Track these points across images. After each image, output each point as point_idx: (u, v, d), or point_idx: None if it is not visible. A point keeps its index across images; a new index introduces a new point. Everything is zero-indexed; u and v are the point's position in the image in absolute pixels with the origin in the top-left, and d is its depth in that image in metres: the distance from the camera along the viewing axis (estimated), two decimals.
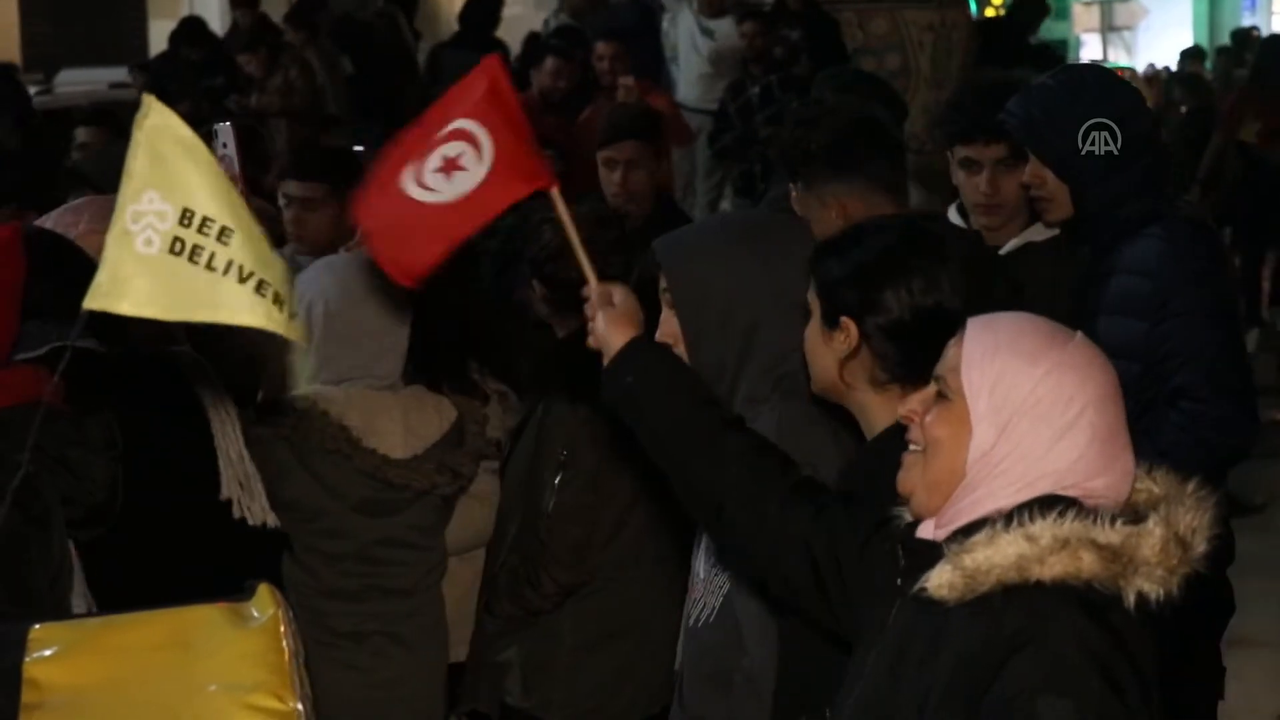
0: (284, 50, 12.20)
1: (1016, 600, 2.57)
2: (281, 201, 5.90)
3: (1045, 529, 2.58)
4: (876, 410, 3.29)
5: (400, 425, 4.76)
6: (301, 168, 5.92)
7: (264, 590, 2.66)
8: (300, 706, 2.41)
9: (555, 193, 3.36)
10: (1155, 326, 4.48)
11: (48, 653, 2.51)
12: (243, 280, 2.56)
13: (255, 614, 2.60)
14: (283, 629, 2.55)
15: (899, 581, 2.76)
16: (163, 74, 12.30)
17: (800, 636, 3.34)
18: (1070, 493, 2.65)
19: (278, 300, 2.63)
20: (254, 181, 6.25)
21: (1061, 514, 2.59)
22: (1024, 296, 4.31)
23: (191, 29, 13.30)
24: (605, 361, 3.30)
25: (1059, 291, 4.61)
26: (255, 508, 4.44)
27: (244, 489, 4.45)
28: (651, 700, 4.94)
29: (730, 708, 3.66)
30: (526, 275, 5.04)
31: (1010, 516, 2.61)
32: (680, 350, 3.70)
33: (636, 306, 3.34)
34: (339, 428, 4.68)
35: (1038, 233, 5.01)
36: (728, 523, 3.18)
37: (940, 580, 2.61)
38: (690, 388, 3.28)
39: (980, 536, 2.60)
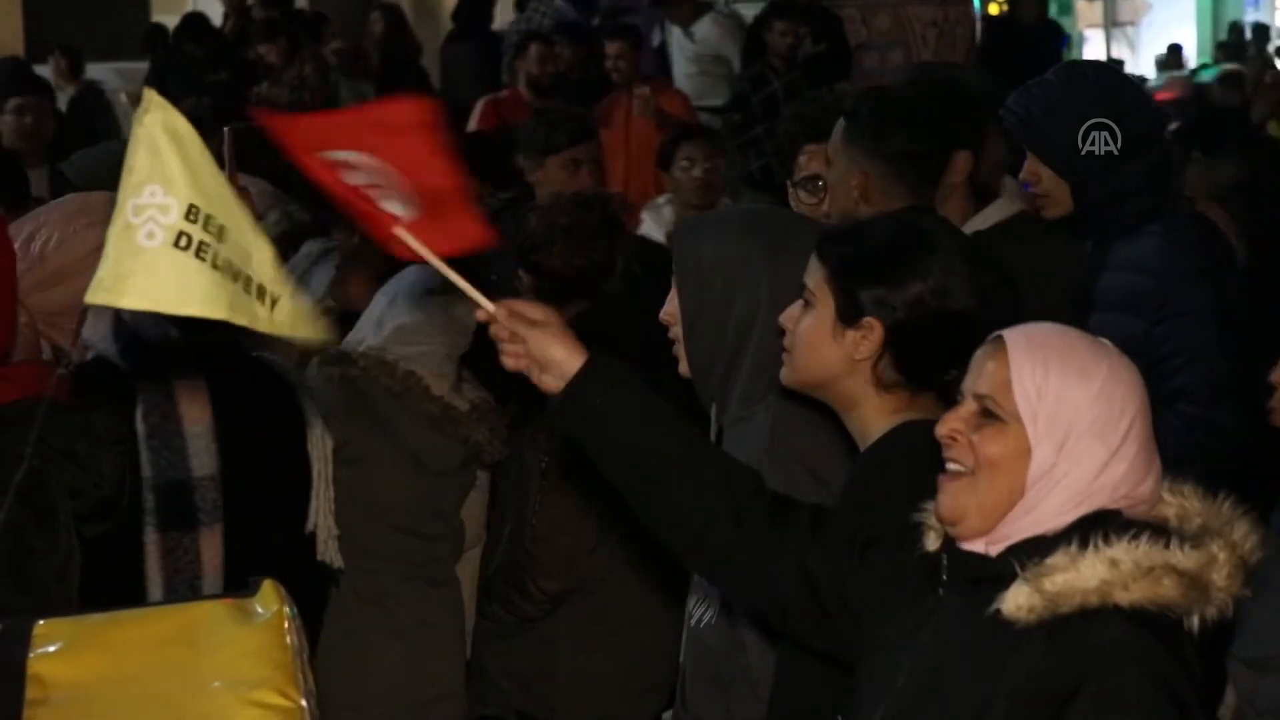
0: (303, 45, 12.21)
1: (1093, 624, 2.57)
2: None
3: (1126, 554, 2.59)
4: (875, 413, 3.23)
5: (448, 384, 4.81)
6: None
7: (268, 586, 2.67)
8: (305, 703, 2.41)
9: (404, 233, 3.06)
10: (1155, 326, 4.47)
11: (52, 649, 2.51)
12: (234, 279, 2.57)
13: (259, 610, 2.60)
14: (287, 625, 2.55)
15: (940, 592, 2.74)
16: (165, 69, 12.30)
17: (799, 648, 3.31)
18: (1119, 504, 2.67)
19: (261, 294, 2.63)
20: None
21: (1136, 537, 2.60)
22: (1016, 287, 4.31)
23: (194, 25, 13.30)
24: (554, 382, 3.06)
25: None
26: (333, 548, 4.43)
27: (327, 523, 4.44)
28: (656, 700, 4.93)
29: (729, 708, 3.64)
30: (513, 267, 5.04)
31: (1084, 537, 2.61)
32: (672, 331, 3.69)
33: (558, 317, 3.10)
34: (407, 373, 4.72)
35: (982, 221, 4.99)
36: (706, 545, 3.08)
37: (1018, 602, 2.59)
38: (658, 408, 3.10)
39: (1059, 559, 2.60)
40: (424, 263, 3.06)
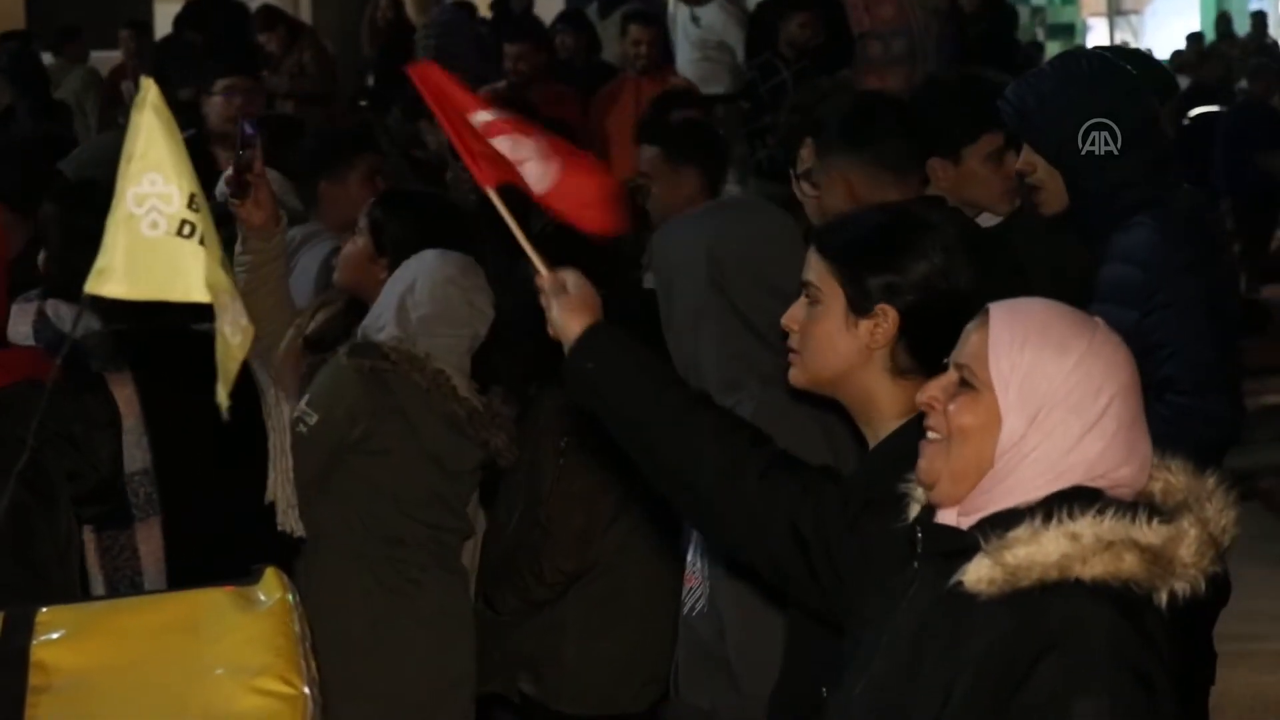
0: (302, 33, 12.21)
1: (1053, 598, 2.57)
2: None
3: (1088, 528, 2.57)
4: (889, 401, 3.23)
5: (466, 382, 4.82)
6: None
7: (271, 574, 2.67)
8: (308, 690, 2.41)
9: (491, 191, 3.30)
10: (1145, 316, 4.47)
11: (55, 635, 2.52)
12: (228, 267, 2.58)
13: (262, 598, 2.60)
14: (290, 613, 2.56)
15: (915, 565, 2.75)
16: (165, 57, 12.30)
17: (801, 627, 3.32)
18: (1098, 483, 2.65)
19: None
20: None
21: (1101, 511, 2.59)
22: (1027, 277, 4.32)
23: (196, 12, 13.28)
24: (568, 352, 3.22)
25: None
26: (293, 516, 4.43)
27: (287, 493, 4.44)
28: (655, 690, 4.94)
29: (712, 695, 3.66)
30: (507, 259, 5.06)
31: (1049, 511, 2.60)
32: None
33: (592, 292, 3.24)
34: (438, 371, 4.74)
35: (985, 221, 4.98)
36: (704, 502, 3.13)
37: (979, 575, 2.59)
38: (652, 368, 3.21)
39: (1021, 532, 2.59)
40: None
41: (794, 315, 3.29)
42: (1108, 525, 2.58)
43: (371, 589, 4.78)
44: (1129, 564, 2.57)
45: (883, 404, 3.24)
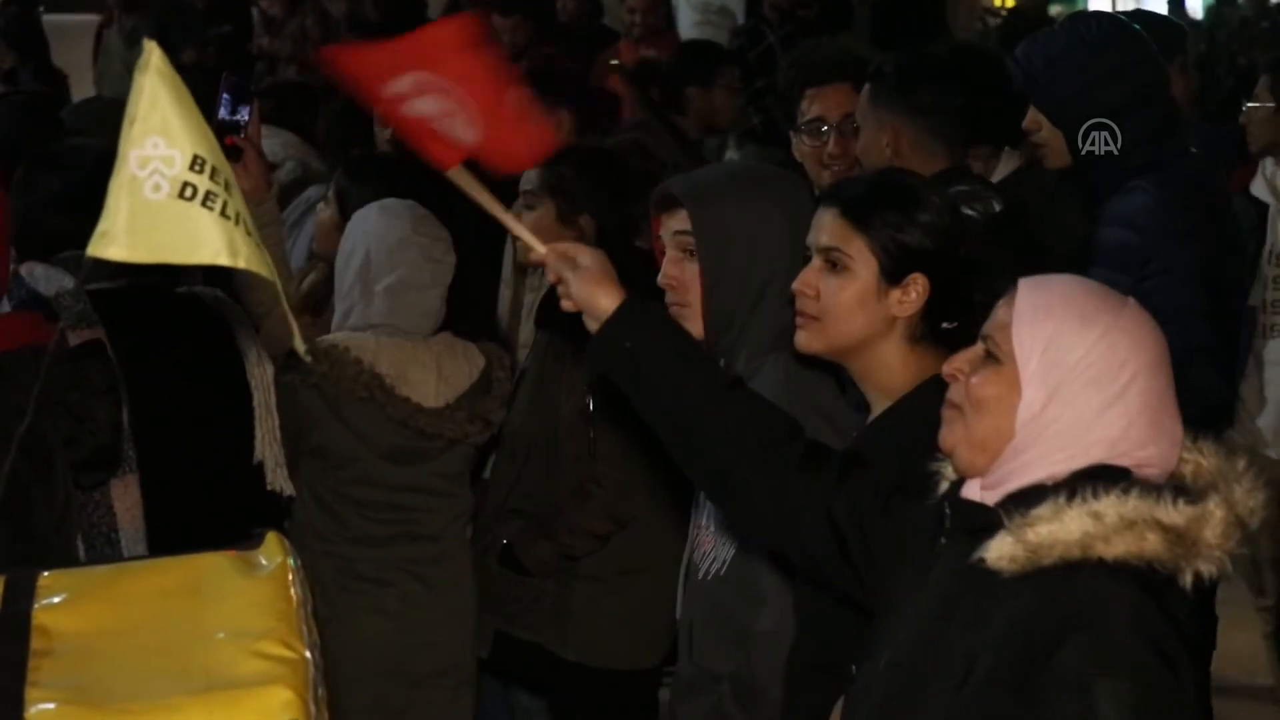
0: None
1: (1077, 577, 2.57)
2: None
3: (1111, 507, 2.57)
4: (902, 368, 3.24)
5: (433, 374, 4.78)
6: None
7: (272, 538, 2.67)
8: (309, 654, 2.42)
9: (459, 173, 3.17)
10: (1140, 282, 4.46)
11: (56, 599, 2.52)
12: (237, 224, 2.57)
13: (263, 562, 2.60)
14: (291, 577, 2.56)
15: (942, 540, 2.75)
16: (166, 20, 12.26)
17: (816, 597, 3.32)
18: (1121, 461, 2.64)
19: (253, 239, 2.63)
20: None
21: (1125, 491, 2.58)
22: (1047, 252, 4.31)
23: None
24: (593, 324, 3.15)
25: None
26: (282, 475, 4.43)
27: (274, 451, 4.43)
28: (657, 651, 4.95)
29: (750, 662, 3.64)
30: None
31: (1072, 489, 2.60)
32: (678, 296, 3.68)
33: (608, 262, 3.19)
34: (372, 375, 4.69)
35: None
36: (737, 486, 3.10)
37: (1000, 552, 2.59)
38: (691, 349, 3.18)
39: (1044, 510, 2.59)
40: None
41: (809, 281, 3.28)
42: (1131, 505, 2.58)
43: (334, 586, 4.77)
44: (1151, 544, 2.57)
45: (896, 371, 3.25)
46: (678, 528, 4.75)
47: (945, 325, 3.21)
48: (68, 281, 4.14)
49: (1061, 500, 2.60)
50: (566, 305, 3.18)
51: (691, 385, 3.11)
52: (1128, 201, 4.51)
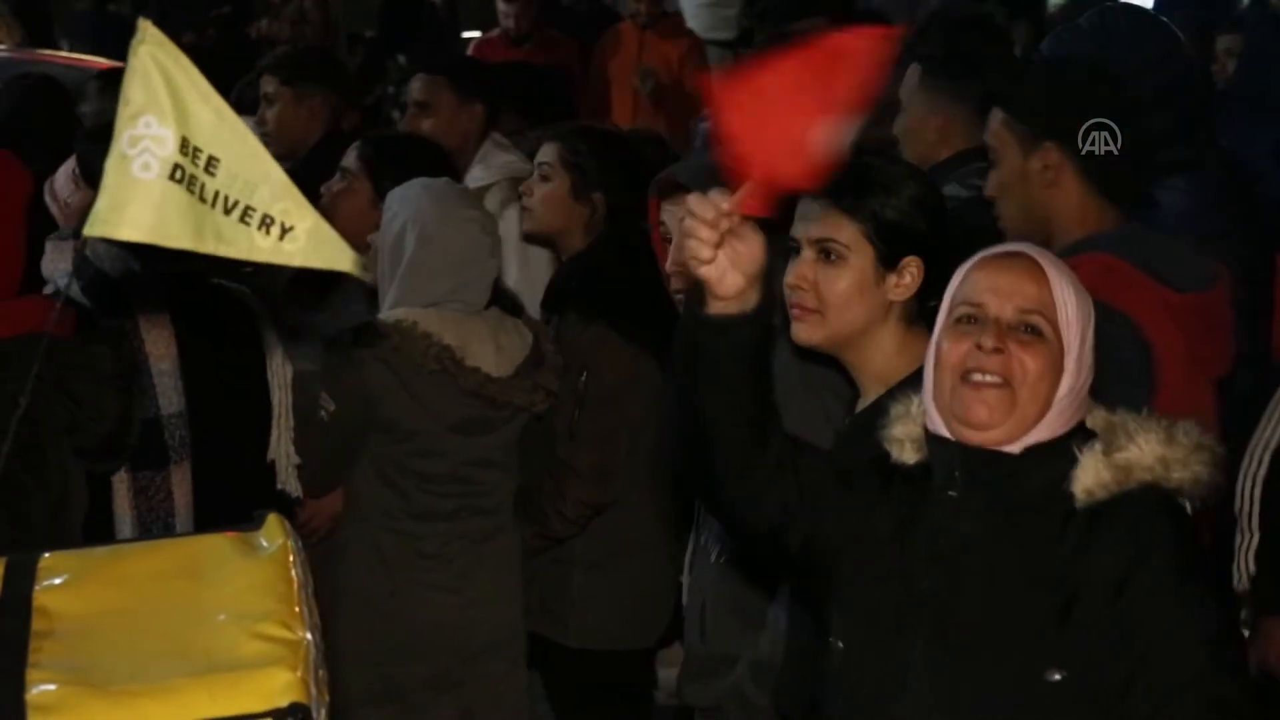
0: None
1: (1144, 500, 2.76)
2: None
3: (1183, 434, 2.79)
4: (898, 352, 3.24)
5: (492, 346, 4.80)
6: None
7: (273, 520, 2.67)
8: (309, 636, 2.42)
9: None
10: None
11: (57, 581, 2.52)
12: (228, 211, 2.56)
13: (264, 544, 2.61)
14: (291, 559, 2.56)
15: (951, 494, 2.80)
16: (166, 2, 12.26)
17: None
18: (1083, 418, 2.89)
19: (267, 224, 2.61)
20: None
21: (1169, 427, 2.82)
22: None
23: None
24: (705, 303, 2.79)
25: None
26: (293, 476, 4.43)
27: (287, 452, 4.44)
28: (655, 630, 4.96)
29: (770, 643, 3.62)
30: None
31: (1080, 440, 2.82)
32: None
33: (765, 258, 2.80)
34: (442, 348, 4.71)
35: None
36: (741, 462, 2.97)
37: (1095, 478, 2.75)
38: (764, 369, 2.91)
39: (1118, 439, 2.78)
40: None
41: (803, 274, 3.27)
42: (1183, 429, 2.79)
43: (397, 561, 4.79)
44: (1206, 469, 2.79)
45: (893, 356, 3.25)
46: (666, 508, 4.78)
47: (932, 304, 3.20)
48: (134, 265, 4.13)
49: (1133, 426, 2.78)
50: (690, 263, 2.77)
51: (749, 406, 2.87)
52: (1161, 205, 4.48)
